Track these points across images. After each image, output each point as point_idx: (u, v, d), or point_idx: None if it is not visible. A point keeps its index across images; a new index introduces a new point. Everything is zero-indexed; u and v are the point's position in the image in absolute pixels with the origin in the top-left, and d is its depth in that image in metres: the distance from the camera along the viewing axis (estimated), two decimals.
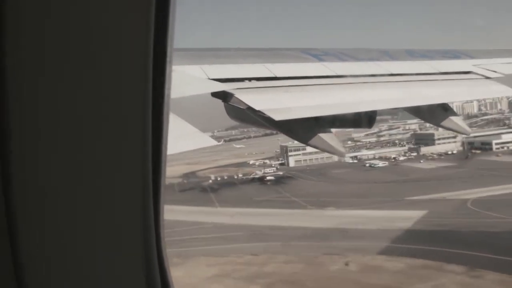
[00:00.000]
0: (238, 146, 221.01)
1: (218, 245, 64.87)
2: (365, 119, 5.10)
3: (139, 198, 1.67)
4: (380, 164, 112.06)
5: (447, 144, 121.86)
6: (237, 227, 71.75)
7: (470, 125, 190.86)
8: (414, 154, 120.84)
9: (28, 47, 1.40)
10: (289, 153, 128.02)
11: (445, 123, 5.53)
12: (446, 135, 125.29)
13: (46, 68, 1.44)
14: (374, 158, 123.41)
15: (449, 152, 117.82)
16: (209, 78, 4.20)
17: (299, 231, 66.36)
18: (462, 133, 7.18)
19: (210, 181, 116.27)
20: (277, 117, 4.00)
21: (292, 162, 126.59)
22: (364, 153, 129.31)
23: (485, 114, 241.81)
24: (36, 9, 1.37)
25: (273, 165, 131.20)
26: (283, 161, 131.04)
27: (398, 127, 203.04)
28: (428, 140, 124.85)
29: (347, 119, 5.05)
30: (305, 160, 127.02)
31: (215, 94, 4.15)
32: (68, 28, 1.42)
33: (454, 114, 5.57)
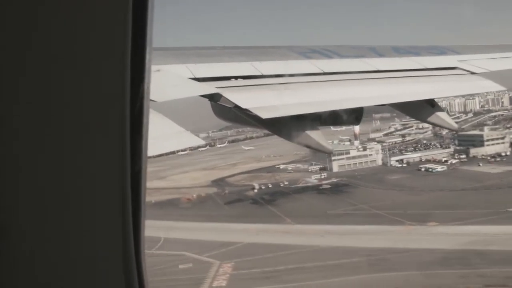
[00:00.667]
0: (247, 148, 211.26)
1: (339, 276, 55.42)
2: (352, 116, 5.18)
3: (117, 199, 1.64)
4: (439, 168, 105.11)
5: (495, 146, 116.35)
6: (341, 251, 62.61)
7: (483, 122, 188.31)
8: (463, 156, 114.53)
9: (5, 47, 1.37)
10: (333, 158, 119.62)
11: (431, 118, 5.48)
12: (495, 136, 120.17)
13: (24, 67, 1.41)
14: (421, 161, 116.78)
15: (503, 154, 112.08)
16: (195, 77, 4.17)
17: (424, 255, 57.98)
18: (449, 129, 6.76)
19: (255, 190, 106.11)
20: (264, 115, 3.99)
21: (335, 167, 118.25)
22: (410, 156, 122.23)
23: (490, 111, 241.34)
24: (14, 8, 1.34)
25: (309, 170, 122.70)
26: (323, 166, 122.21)
27: (411, 126, 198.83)
28: (476, 141, 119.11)
29: (335, 116, 5.06)
30: (349, 164, 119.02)
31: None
32: (44, 27, 1.39)
33: (441, 109, 5.54)
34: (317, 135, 4.41)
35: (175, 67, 4.27)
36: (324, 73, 4.99)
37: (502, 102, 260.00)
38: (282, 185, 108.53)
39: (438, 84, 5.69)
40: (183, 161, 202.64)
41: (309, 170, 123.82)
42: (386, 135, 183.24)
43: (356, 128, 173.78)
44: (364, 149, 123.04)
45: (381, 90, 5.26)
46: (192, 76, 4.19)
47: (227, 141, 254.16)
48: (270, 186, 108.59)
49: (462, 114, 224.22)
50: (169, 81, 4.03)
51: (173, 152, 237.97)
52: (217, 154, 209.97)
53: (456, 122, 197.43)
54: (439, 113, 5.52)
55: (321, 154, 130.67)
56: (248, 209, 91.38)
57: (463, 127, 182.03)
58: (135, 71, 1.55)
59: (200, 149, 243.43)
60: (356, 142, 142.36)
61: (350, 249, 62.73)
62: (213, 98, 4.13)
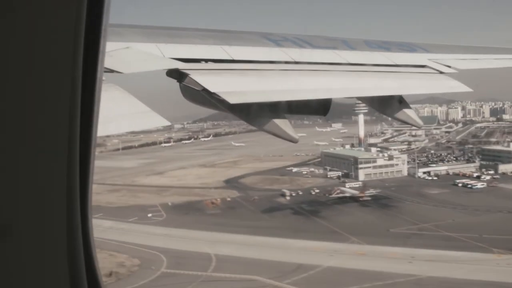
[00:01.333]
0: (237, 144, 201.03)
1: None
2: (320, 107, 5.23)
3: (63, 196, 1.63)
4: (478, 185, 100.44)
5: None
6: (449, 283, 54.72)
7: (476, 133, 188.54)
8: (492, 172, 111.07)
9: None
10: (359, 166, 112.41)
11: (398, 115, 5.55)
12: None
13: None
14: (448, 175, 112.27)
15: None
16: (164, 57, 4.21)
17: None
18: (414, 126, 5.98)
19: (287, 197, 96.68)
20: (232, 100, 3.99)
21: (361, 176, 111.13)
22: (435, 168, 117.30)
23: (473, 121, 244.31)
24: None
25: (328, 176, 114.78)
26: (343, 172, 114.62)
27: (405, 133, 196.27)
28: (503, 157, 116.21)
29: (303, 106, 5.12)
30: (375, 174, 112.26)
31: (170, 74, 4.12)
32: None
33: (408, 106, 5.57)
34: (283, 124, 4.41)
35: (145, 46, 4.26)
36: (295, 62, 5.00)
37: (483, 113, 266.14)
38: (313, 193, 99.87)
39: (407, 81, 5.65)
40: (171, 154, 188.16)
41: (328, 176, 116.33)
42: (385, 141, 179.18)
43: (361, 133, 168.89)
44: (390, 158, 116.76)
45: (351, 83, 5.26)
46: (162, 56, 4.21)
47: (211, 135, 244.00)
48: (300, 193, 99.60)
49: (452, 123, 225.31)
50: (137, 57, 4.05)
51: (154, 143, 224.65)
52: (207, 149, 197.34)
53: (448, 132, 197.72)
54: (406, 110, 5.53)
55: (336, 159, 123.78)
56: (294, 221, 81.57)
57: (459, 137, 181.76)
58: (86, 70, 1.51)
59: (184, 141, 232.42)
60: (373, 150, 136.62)
61: (457, 281, 55.14)
62: (182, 79, 4.09)
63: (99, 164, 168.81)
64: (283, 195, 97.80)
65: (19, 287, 1.64)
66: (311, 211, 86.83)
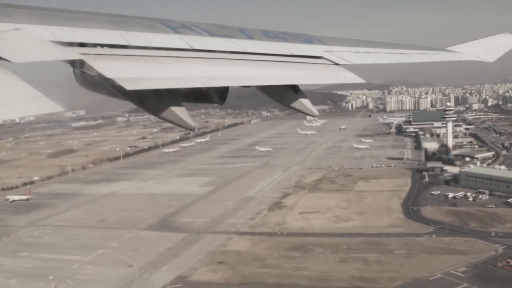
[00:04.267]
0: (263, 149, 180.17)
1: None
2: (218, 95, 5.31)
3: None
4: None
5: None
6: None
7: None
8: None
9: None
10: None
11: (294, 104, 5.65)
12: None
13: None
14: None
15: None
16: (58, 41, 3.99)
17: None
18: (310, 115, 6.39)
19: None
20: (128, 86, 3.93)
21: None
22: None
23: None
24: None
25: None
26: None
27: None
28: None
29: (200, 94, 5.12)
30: None
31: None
32: None
33: (304, 96, 5.66)
34: (181, 111, 4.35)
35: (37, 28, 4.02)
36: (193, 50, 4.93)
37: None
38: None
39: (303, 71, 5.76)
40: (211, 166, 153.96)
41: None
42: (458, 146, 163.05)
43: (449, 142, 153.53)
44: None
45: (248, 72, 5.25)
46: (55, 40, 3.97)
47: (208, 135, 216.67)
48: None
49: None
50: (28, 42, 3.81)
51: (151, 148, 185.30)
52: (234, 157, 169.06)
53: (468, 129, 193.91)
54: (302, 100, 5.61)
55: (497, 181, 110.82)
56: None
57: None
58: None
59: (183, 145, 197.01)
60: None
61: None
62: (76, 64, 3.92)
63: (142, 189, 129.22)
64: None
65: None
66: None
